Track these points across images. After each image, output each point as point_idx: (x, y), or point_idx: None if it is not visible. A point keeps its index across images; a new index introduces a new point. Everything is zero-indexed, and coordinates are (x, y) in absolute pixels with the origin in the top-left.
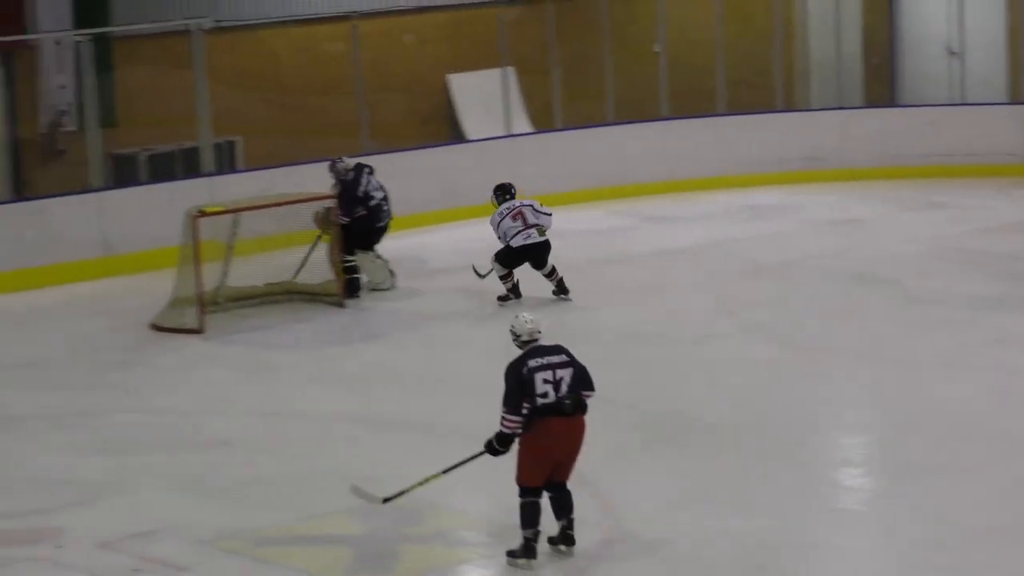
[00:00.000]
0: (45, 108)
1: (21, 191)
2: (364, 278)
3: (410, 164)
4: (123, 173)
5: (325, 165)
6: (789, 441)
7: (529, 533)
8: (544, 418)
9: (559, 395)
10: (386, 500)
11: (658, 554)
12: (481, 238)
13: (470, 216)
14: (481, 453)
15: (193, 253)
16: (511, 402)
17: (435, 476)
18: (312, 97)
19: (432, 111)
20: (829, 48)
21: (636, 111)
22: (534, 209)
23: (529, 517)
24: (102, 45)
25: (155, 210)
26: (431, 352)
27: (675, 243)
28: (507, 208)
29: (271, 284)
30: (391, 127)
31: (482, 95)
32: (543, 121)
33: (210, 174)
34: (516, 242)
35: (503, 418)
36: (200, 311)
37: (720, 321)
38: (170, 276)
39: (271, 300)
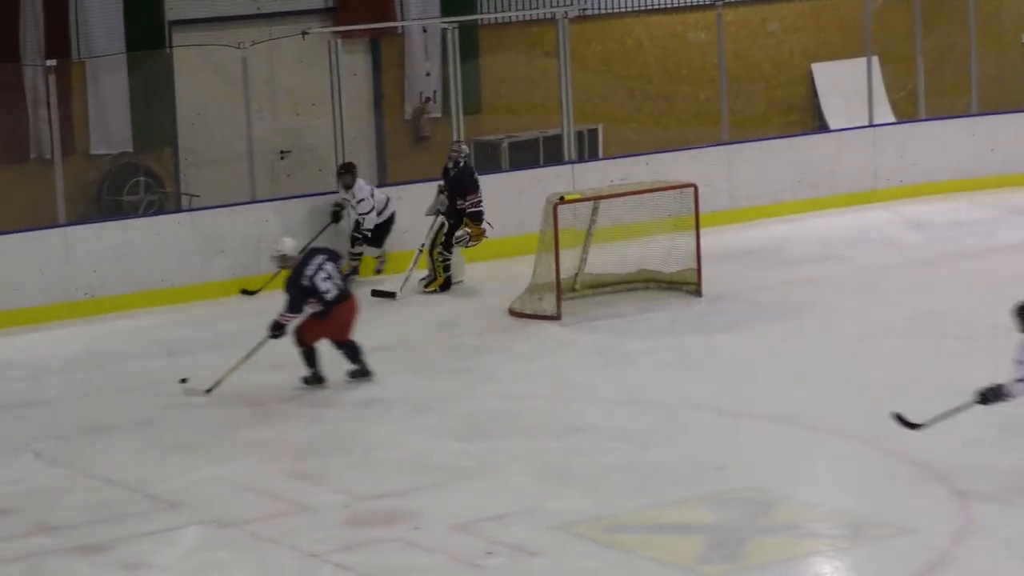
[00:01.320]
0: (411, 95)
1: (385, 176)
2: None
3: (770, 153)
4: (485, 159)
5: (686, 153)
6: None
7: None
8: None
9: None
10: (208, 391)
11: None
12: (842, 227)
13: (829, 206)
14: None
15: (552, 240)
16: None
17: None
18: (673, 86)
19: (794, 100)
20: None
21: (1001, 101)
22: None
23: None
24: (468, 33)
25: (516, 196)
26: (789, 344)
27: None
28: None
29: (630, 273)
30: (752, 116)
31: (845, 84)
32: (906, 111)
33: (571, 162)
34: None
35: None
36: (558, 298)
37: None
38: (529, 262)
39: (628, 288)
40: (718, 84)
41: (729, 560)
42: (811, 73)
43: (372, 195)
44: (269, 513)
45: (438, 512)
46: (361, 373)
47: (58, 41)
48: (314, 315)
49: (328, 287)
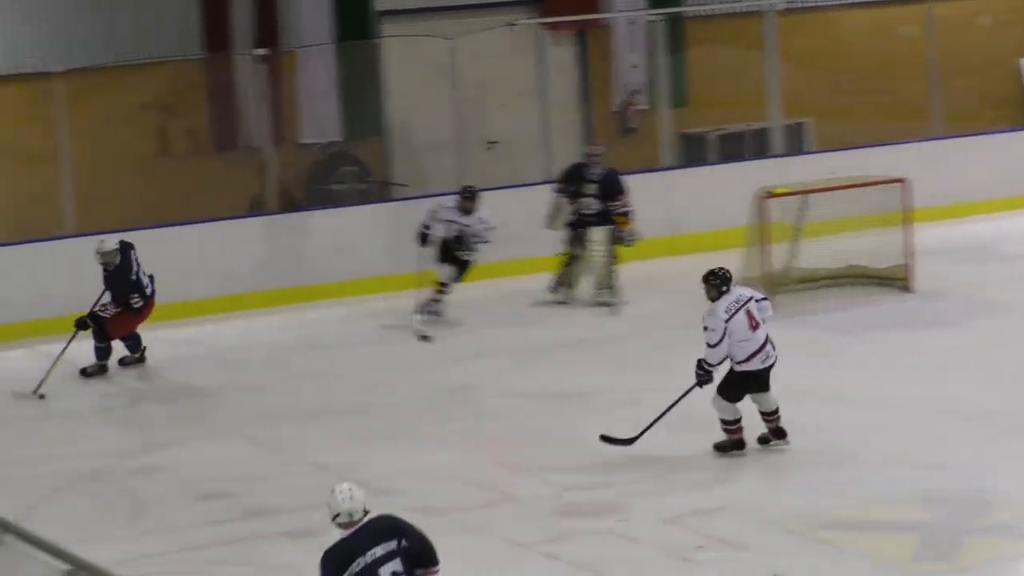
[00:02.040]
0: (617, 87)
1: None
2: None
3: (979, 149)
4: (692, 152)
5: (895, 148)
6: None
7: None
8: None
9: None
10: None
11: None
12: None
13: None
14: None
15: (760, 234)
16: None
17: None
18: (882, 80)
19: (1004, 95)
20: None
21: None
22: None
23: None
24: (675, 25)
25: (723, 190)
26: (1001, 342)
27: None
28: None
29: (841, 268)
30: (961, 111)
31: None
32: None
33: (779, 155)
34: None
35: None
36: (767, 292)
37: None
38: (735, 256)
39: (837, 283)
40: (926, 79)
41: (943, 559)
42: (1020, 69)
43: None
44: (477, 502)
45: (647, 504)
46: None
47: (268, 31)
48: (130, 310)
49: (148, 282)
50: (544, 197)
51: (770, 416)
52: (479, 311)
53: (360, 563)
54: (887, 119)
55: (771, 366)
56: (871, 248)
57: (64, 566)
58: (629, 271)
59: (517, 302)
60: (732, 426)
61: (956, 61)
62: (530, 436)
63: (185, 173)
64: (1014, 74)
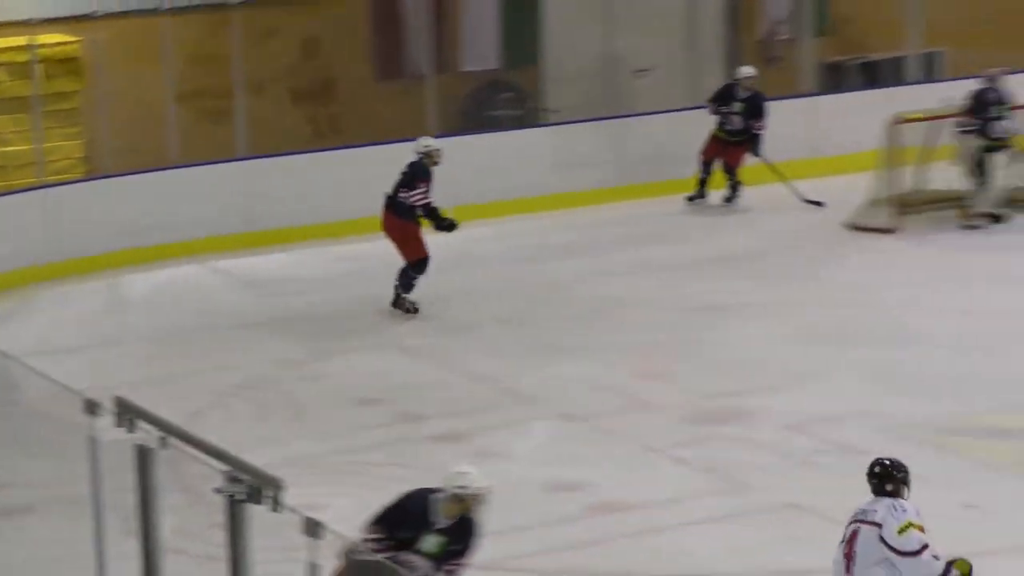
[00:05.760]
0: (764, 17)
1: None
2: None
3: None
4: (834, 80)
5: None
6: None
7: None
8: None
9: None
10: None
11: None
12: None
13: None
14: None
15: (891, 157)
16: None
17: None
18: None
19: None
20: None
21: None
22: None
23: None
24: None
25: (862, 116)
26: None
27: None
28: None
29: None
30: None
31: None
32: None
33: (916, 82)
34: None
35: None
36: (895, 212)
37: None
38: (870, 179)
39: (963, 205)
40: None
41: None
42: None
43: None
44: (614, 409)
45: (774, 412)
46: None
47: None
48: None
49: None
50: (690, 120)
51: None
52: (627, 228)
53: None
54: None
55: None
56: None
57: (224, 467)
58: (768, 192)
59: (658, 221)
60: None
61: None
62: (667, 347)
63: (352, 100)
64: None
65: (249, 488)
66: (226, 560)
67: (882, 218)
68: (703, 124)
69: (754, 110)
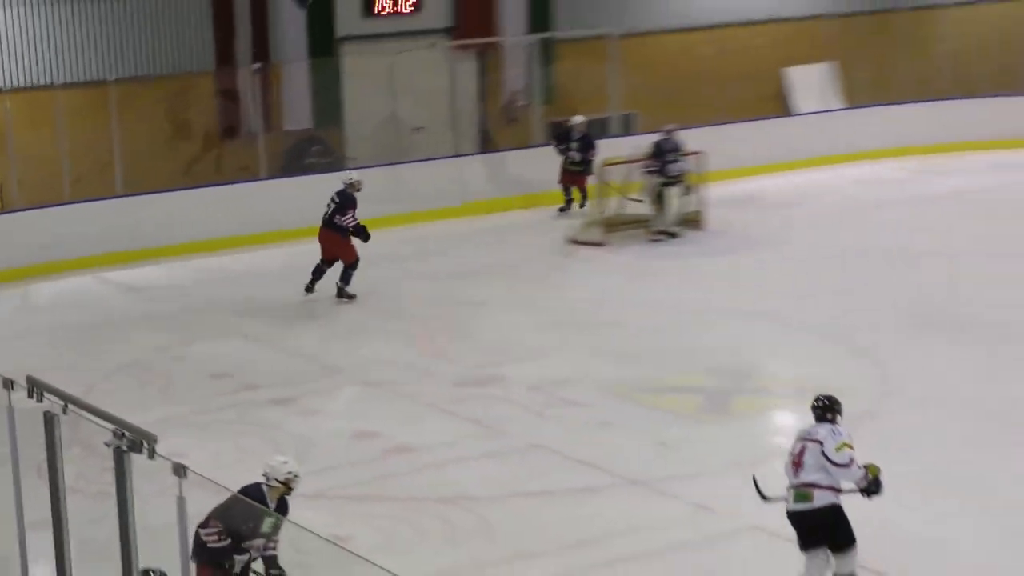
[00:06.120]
0: (505, 89)
1: (486, 147)
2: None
3: (755, 130)
4: (562, 135)
5: (694, 130)
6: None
7: None
8: None
9: None
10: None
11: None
12: (805, 182)
13: (797, 167)
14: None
15: (601, 190)
16: None
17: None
18: (687, 84)
19: (772, 92)
20: None
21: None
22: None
23: None
24: (546, 45)
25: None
26: (768, 263)
27: (936, 189)
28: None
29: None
30: (742, 103)
31: (806, 80)
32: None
33: (616, 136)
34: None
35: None
36: (604, 230)
37: None
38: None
39: (649, 225)
40: (717, 82)
41: (721, 412)
42: (781, 75)
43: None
44: (403, 377)
45: (519, 377)
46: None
47: (261, 49)
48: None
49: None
50: (453, 164)
51: None
52: (413, 245)
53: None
54: (692, 110)
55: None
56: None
57: (111, 426)
58: (523, 215)
59: (435, 240)
60: None
61: (738, 69)
62: (442, 331)
63: (203, 152)
64: (778, 78)
65: (130, 441)
66: (115, 496)
67: (595, 235)
68: (465, 167)
69: (586, 146)
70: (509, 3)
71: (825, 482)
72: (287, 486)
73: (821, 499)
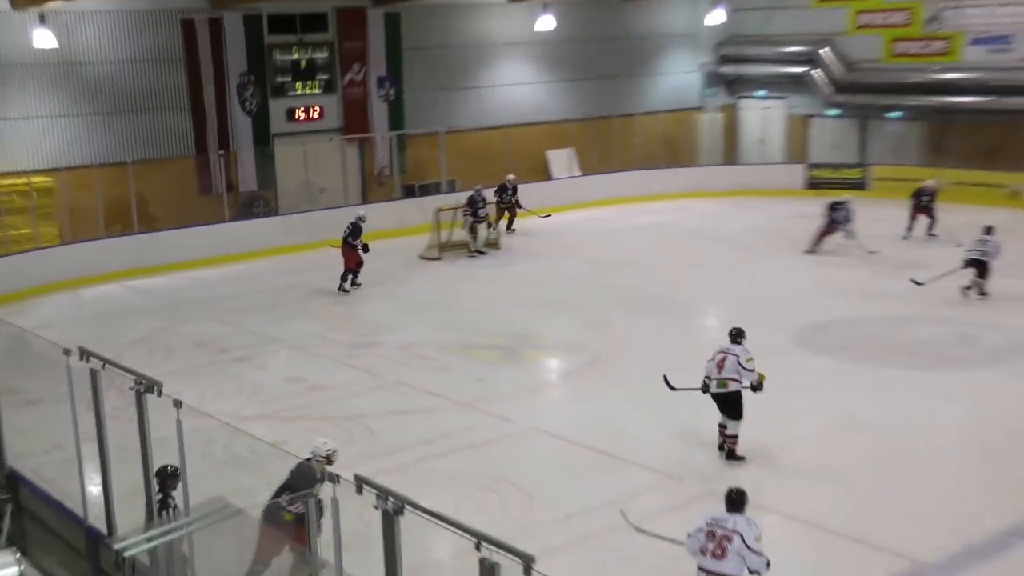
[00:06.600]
0: (376, 165)
1: (366, 200)
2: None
3: (521, 190)
4: (407, 192)
5: (488, 188)
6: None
7: None
8: None
9: None
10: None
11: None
12: (561, 222)
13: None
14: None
15: (436, 225)
16: None
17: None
18: (491, 161)
19: (534, 169)
20: None
21: (626, 165)
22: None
23: None
24: (401, 138)
25: (412, 209)
26: (541, 269)
27: (635, 223)
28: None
29: (471, 239)
30: (523, 170)
31: (559, 158)
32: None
33: (446, 192)
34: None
35: None
36: (440, 250)
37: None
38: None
39: (470, 247)
40: (503, 160)
41: (515, 360)
42: (546, 156)
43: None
44: (317, 343)
45: (391, 342)
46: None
47: (224, 141)
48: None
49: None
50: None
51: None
52: (324, 260)
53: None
54: (491, 176)
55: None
56: (484, 231)
57: (132, 376)
58: (394, 242)
59: (336, 260)
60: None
61: (518, 152)
62: (346, 316)
63: (186, 205)
64: (542, 157)
65: (145, 386)
66: (136, 420)
67: (435, 253)
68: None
69: (514, 191)
70: (377, 112)
71: (736, 378)
72: (328, 460)
73: (733, 387)
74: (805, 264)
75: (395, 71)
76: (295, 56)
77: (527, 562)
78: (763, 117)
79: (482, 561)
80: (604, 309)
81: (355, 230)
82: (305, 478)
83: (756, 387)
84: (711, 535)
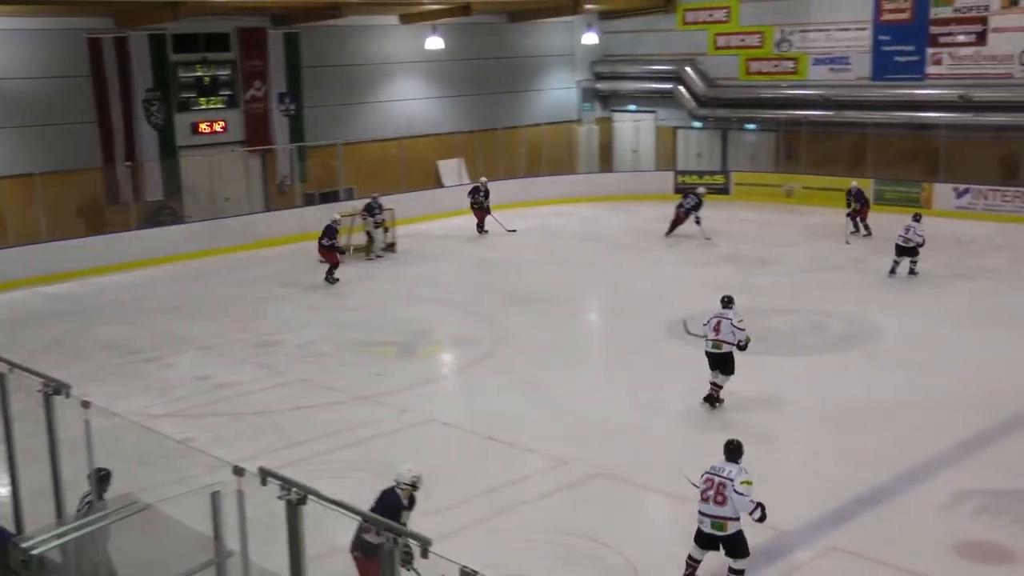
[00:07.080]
0: (278, 175)
1: (268, 208)
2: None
3: (430, 197)
4: (308, 201)
5: (387, 197)
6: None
7: None
8: None
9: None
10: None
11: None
12: (443, 225)
13: (439, 218)
14: None
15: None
16: None
17: None
18: (392, 170)
19: (426, 178)
20: None
21: (511, 173)
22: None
23: None
24: (301, 149)
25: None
26: (438, 269)
27: (528, 224)
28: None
29: (369, 244)
30: (418, 180)
31: (449, 168)
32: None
33: (345, 200)
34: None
35: None
36: (348, 252)
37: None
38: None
39: (371, 249)
40: (399, 169)
41: (410, 355)
42: (437, 166)
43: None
44: (222, 342)
45: (293, 340)
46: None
47: (131, 151)
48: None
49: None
50: (248, 220)
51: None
52: (239, 264)
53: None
54: (386, 185)
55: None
56: (381, 236)
57: (41, 379)
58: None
59: (261, 264)
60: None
61: (412, 161)
62: (252, 315)
63: (97, 214)
64: (434, 167)
65: (54, 388)
66: (45, 422)
67: (346, 256)
68: (256, 219)
69: (487, 194)
70: (278, 125)
71: (729, 339)
72: (413, 486)
73: (726, 348)
74: (676, 261)
75: (295, 87)
76: (199, 73)
77: (424, 545)
78: (635, 129)
79: (381, 546)
80: (493, 306)
81: (330, 232)
82: (388, 506)
83: (742, 346)
84: (710, 482)
